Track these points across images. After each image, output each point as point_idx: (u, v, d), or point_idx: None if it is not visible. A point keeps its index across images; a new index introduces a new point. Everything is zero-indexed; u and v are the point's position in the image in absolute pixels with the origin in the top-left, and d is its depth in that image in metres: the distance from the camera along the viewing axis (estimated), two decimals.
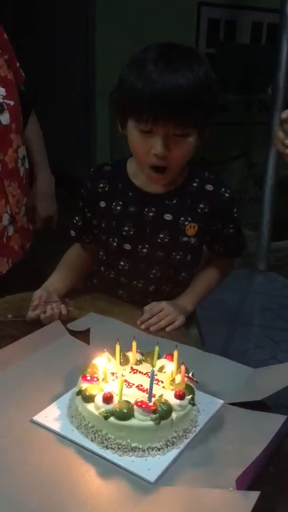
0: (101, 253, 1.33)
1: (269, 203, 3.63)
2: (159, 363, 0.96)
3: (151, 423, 0.81)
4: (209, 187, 1.22)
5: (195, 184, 1.22)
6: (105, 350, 0.94)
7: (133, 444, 0.81)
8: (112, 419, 0.81)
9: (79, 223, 1.32)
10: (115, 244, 1.26)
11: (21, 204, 1.54)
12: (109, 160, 1.30)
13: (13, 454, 0.81)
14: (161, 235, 1.22)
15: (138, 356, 0.98)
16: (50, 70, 4.71)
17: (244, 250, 1.34)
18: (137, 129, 1.08)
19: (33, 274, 1.54)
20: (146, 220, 1.22)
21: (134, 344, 0.97)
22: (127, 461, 0.80)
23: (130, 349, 0.97)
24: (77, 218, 1.32)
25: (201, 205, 1.21)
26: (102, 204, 1.25)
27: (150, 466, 0.79)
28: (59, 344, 1.12)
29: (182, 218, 1.21)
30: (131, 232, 1.23)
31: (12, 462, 0.79)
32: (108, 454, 0.81)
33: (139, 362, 0.97)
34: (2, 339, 1.12)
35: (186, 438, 0.85)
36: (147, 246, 1.24)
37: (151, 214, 1.21)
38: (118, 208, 1.23)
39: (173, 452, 0.82)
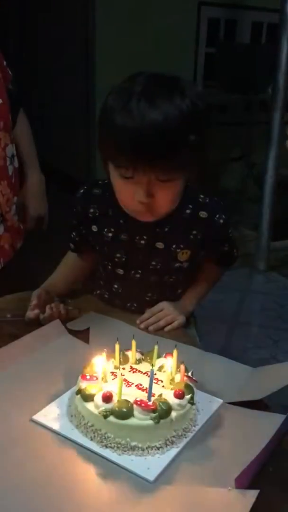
0: (100, 268, 1.32)
1: (268, 203, 3.63)
2: (159, 362, 0.96)
3: (150, 422, 0.81)
4: (203, 214, 1.17)
5: (188, 211, 1.17)
6: (105, 349, 0.94)
7: (133, 443, 0.81)
8: (111, 418, 0.81)
9: (76, 238, 1.30)
10: (109, 267, 1.26)
11: (11, 203, 1.54)
12: (100, 179, 1.23)
13: (12, 453, 0.81)
14: (154, 262, 1.21)
15: (138, 355, 0.98)
16: (50, 69, 4.72)
17: (236, 260, 1.33)
18: (118, 173, 1.03)
19: (25, 274, 1.54)
20: (138, 248, 1.19)
21: (133, 343, 0.97)
22: (126, 460, 0.80)
23: (129, 349, 0.97)
24: (74, 233, 1.30)
25: (194, 232, 1.18)
26: (94, 228, 1.23)
27: (149, 465, 0.79)
28: (58, 343, 1.12)
29: (174, 246, 1.19)
30: (123, 259, 1.22)
31: (11, 461, 0.80)
32: (108, 453, 0.81)
33: (138, 361, 0.97)
34: (2, 338, 1.12)
35: (186, 437, 0.85)
36: (139, 271, 1.23)
37: (142, 242, 1.18)
38: (110, 234, 1.20)
39: (173, 451, 0.82)
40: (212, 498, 0.74)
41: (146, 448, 0.82)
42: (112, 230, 1.20)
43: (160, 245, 1.18)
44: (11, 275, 1.52)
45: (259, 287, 3.54)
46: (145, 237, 1.18)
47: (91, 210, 1.21)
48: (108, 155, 1.03)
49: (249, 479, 0.76)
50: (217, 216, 1.18)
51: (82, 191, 1.24)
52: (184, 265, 1.21)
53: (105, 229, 1.20)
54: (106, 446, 0.82)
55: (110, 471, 0.79)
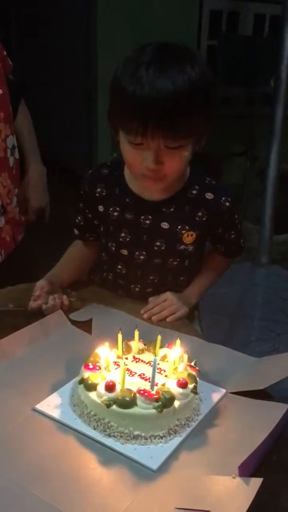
0: (103, 254, 1.33)
1: (271, 196, 3.62)
2: (162, 352, 0.96)
3: (153, 411, 0.81)
4: (209, 196, 1.18)
5: (194, 192, 1.18)
6: (107, 339, 0.94)
7: (136, 432, 0.81)
8: (114, 407, 0.81)
9: (81, 223, 1.30)
10: (113, 248, 1.25)
11: (12, 195, 1.53)
12: (108, 161, 1.27)
13: (16, 442, 0.81)
14: (158, 243, 1.20)
15: (141, 345, 0.98)
16: (52, 64, 4.70)
17: (243, 250, 1.34)
18: (127, 141, 1.03)
19: (26, 266, 1.54)
20: (142, 228, 1.19)
21: (136, 333, 0.97)
22: (129, 449, 0.80)
23: (132, 339, 0.97)
24: (79, 218, 1.30)
25: (200, 214, 1.18)
26: (101, 208, 1.23)
27: (152, 454, 0.80)
28: (61, 334, 1.12)
29: (179, 227, 1.18)
30: (128, 239, 1.22)
31: (15, 450, 0.80)
32: (111, 442, 0.81)
33: (141, 351, 0.97)
34: (4, 329, 1.12)
35: (189, 427, 0.85)
36: (144, 253, 1.22)
37: (147, 221, 1.18)
38: (115, 213, 1.21)
39: (176, 440, 0.82)
40: (215, 486, 0.74)
41: (149, 437, 0.82)
42: (118, 209, 1.20)
43: (165, 225, 1.18)
44: (12, 267, 1.52)
45: (262, 281, 3.54)
46: (150, 216, 1.18)
47: (98, 190, 1.21)
48: (118, 123, 1.03)
49: (252, 468, 0.76)
50: (223, 198, 1.18)
51: (90, 171, 1.26)
52: (189, 248, 1.20)
53: (111, 208, 1.21)
54: (109, 435, 0.82)
55: (113, 460, 0.79)
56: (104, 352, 0.91)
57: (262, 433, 0.81)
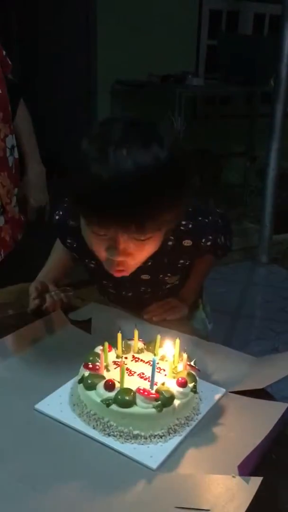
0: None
1: (271, 195, 3.62)
2: (161, 351, 0.96)
3: (153, 410, 0.81)
4: (187, 243, 1.08)
5: (170, 243, 1.07)
6: (107, 338, 0.94)
7: (135, 432, 0.81)
8: (114, 406, 0.81)
9: (62, 238, 1.23)
10: (99, 284, 1.27)
11: (12, 195, 1.53)
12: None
13: (16, 442, 0.81)
14: (143, 288, 1.20)
15: (140, 345, 0.98)
16: (49, 62, 4.70)
17: (230, 249, 1.23)
18: (89, 228, 0.89)
19: (26, 266, 1.54)
20: (123, 281, 1.09)
21: (136, 332, 0.97)
22: (129, 448, 0.80)
23: (132, 338, 0.97)
24: (59, 234, 1.24)
25: (181, 261, 1.14)
26: (75, 255, 1.22)
27: (152, 453, 0.80)
28: (60, 333, 1.12)
29: (161, 276, 1.16)
30: (111, 285, 1.22)
31: (14, 450, 0.80)
32: (110, 441, 0.81)
33: (140, 350, 0.97)
34: (4, 329, 1.11)
35: (188, 426, 0.85)
36: (130, 294, 1.24)
37: (127, 276, 0.99)
38: (92, 265, 1.16)
39: (175, 440, 0.82)
40: (215, 486, 0.74)
41: (149, 436, 0.82)
42: (93, 262, 1.13)
43: (146, 276, 1.14)
44: (12, 267, 1.52)
45: (261, 280, 3.54)
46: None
47: (69, 241, 1.17)
48: (79, 209, 0.89)
49: (252, 467, 0.76)
50: (203, 240, 1.10)
51: (57, 218, 1.16)
52: (175, 282, 1.22)
53: (86, 260, 1.17)
54: (109, 435, 0.82)
55: (113, 459, 0.79)
56: (104, 352, 0.91)
57: (261, 432, 0.81)
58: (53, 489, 0.73)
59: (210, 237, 1.10)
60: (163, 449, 0.81)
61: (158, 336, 0.96)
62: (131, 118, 0.89)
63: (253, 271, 3.62)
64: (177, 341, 0.93)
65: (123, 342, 0.96)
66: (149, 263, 1.03)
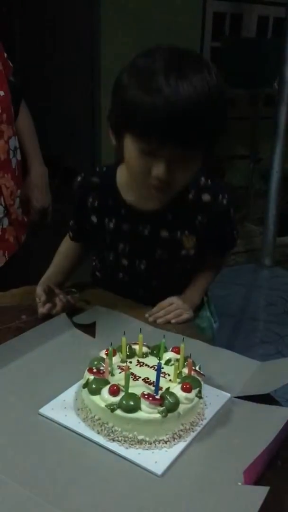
0: (99, 263, 1.31)
1: (274, 197, 3.61)
2: (166, 356, 0.95)
3: (158, 415, 0.81)
4: (206, 197, 1.14)
5: (190, 196, 1.13)
6: (111, 342, 0.93)
7: (140, 437, 0.81)
8: (118, 411, 0.81)
9: (75, 227, 1.30)
10: (111, 258, 1.23)
11: (15, 196, 1.54)
12: (97, 166, 1.22)
13: (19, 447, 0.81)
14: (159, 252, 1.18)
15: (145, 349, 0.97)
16: (54, 63, 4.70)
17: (236, 242, 1.29)
18: (136, 148, 0.96)
19: (29, 267, 1.55)
20: (141, 238, 1.16)
21: (140, 337, 0.97)
22: (133, 453, 0.80)
23: (136, 342, 0.97)
24: (72, 222, 1.29)
25: (199, 217, 1.15)
26: (94, 219, 1.20)
27: (157, 459, 0.79)
28: (65, 337, 1.12)
29: (179, 233, 1.16)
30: (127, 249, 1.19)
31: (18, 455, 0.79)
32: (115, 446, 0.81)
33: (145, 355, 0.97)
34: (8, 332, 1.12)
35: (193, 431, 0.85)
36: (144, 262, 1.20)
37: (146, 231, 1.14)
38: (111, 225, 1.17)
39: (180, 445, 0.82)
40: (221, 493, 0.74)
41: (154, 441, 0.81)
42: (113, 220, 1.16)
43: (164, 233, 1.15)
44: (16, 268, 1.52)
45: (265, 283, 3.53)
46: (148, 225, 1.15)
47: (90, 200, 1.18)
48: (132, 128, 0.96)
49: (257, 474, 0.76)
50: (220, 197, 1.15)
51: (79, 179, 1.21)
52: (190, 252, 1.18)
53: (106, 220, 1.17)
54: (113, 440, 0.82)
55: (117, 464, 0.78)
56: (108, 356, 0.91)
57: (267, 438, 0.80)
58: (55, 494, 0.73)
59: (227, 196, 1.15)
60: (168, 454, 0.80)
61: (163, 341, 0.96)
62: (171, 46, 0.97)
63: (256, 273, 3.61)
64: (182, 345, 0.93)
65: (128, 346, 0.95)
66: (170, 217, 1.13)
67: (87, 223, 1.23)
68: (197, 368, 0.92)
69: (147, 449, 0.81)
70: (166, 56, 0.93)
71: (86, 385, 0.87)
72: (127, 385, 0.83)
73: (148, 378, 0.88)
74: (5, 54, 1.52)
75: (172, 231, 1.16)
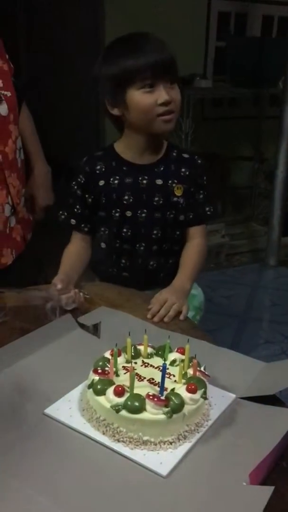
0: (102, 229, 1.44)
1: (279, 197, 3.60)
2: (171, 356, 0.95)
3: (163, 416, 0.81)
4: (185, 155, 1.44)
5: (174, 154, 1.43)
6: (116, 343, 0.93)
7: (145, 438, 0.81)
8: (123, 412, 0.81)
9: (79, 211, 1.43)
10: (117, 214, 1.40)
11: (21, 195, 1.57)
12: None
13: (25, 447, 0.81)
14: (156, 198, 1.39)
15: (150, 350, 0.97)
16: (56, 64, 4.70)
17: (212, 218, 1.48)
18: (141, 91, 1.28)
19: (36, 266, 1.57)
20: (141, 188, 1.39)
21: (145, 337, 0.96)
22: (138, 454, 0.80)
23: (141, 343, 0.97)
24: (77, 206, 1.43)
25: (183, 169, 1.42)
26: (101, 182, 1.40)
27: (162, 460, 0.79)
28: (69, 337, 1.12)
29: (170, 181, 1.40)
30: (131, 200, 1.39)
31: (24, 455, 0.79)
32: (120, 447, 0.81)
33: (150, 355, 0.97)
34: (13, 333, 1.12)
35: (198, 432, 0.84)
36: (145, 210, 1.40)
37: (144, 181, 1.39)
38: (116, 182, 1.39)
39: (185, 446, 0.82)
40: (226, 494, 0.73)
41: (159, 442, 0.81)
42: (118, 177, 1.39)
43: (159, 181, 1.40)
44: (22, 267, 1.55)
45: (270, 283, 3.52)
46: (146, 177, 1.39)
47: (98, 167, 1.41)
48: (134, 79, 1.28)
49: (263, 475, 0.76)
50: (196, 157, 1.45)
51: (85, 158, 1.44)
52: (180, 200, 1.41)
53: (111, 179, 1.39)
54: (118, 441, 0.82)
55: (122, 465, 0.78)
56: (113, 357, 0.91)
57: (272, 439, 0.80)
58: (60, 495, 0.73)
59: (200, 159, 1.45)
60: (173, 455, 0.80)
61: (168, 341, 0.96)
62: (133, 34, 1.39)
63: (261, 273, 3.60)
64: (187, 346, 0.93)
65: (133, 347, 0.95)
66: (162, 168, 1.40)
67: (94, 194, 1.40)
68: (202, 368, 0.92)
69: (152, 450, 0.81)
70: (131, 37, 1.38)
71: (91, 385, 0.87)
72: (132, 386, 0.83)
73: (153, 379, 0.88)
74: (7, 56, 1.53)
75: (164, 180, 1.40)
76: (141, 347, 0.97)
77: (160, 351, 0.97)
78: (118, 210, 1.40)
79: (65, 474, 0.76)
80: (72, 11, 4.49)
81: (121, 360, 0.93)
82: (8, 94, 1.46)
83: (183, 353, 0.94)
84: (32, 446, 0.81)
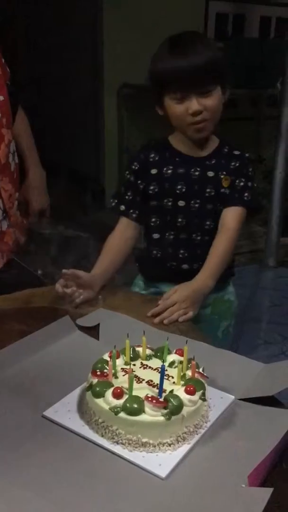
0: (153, 219, 1.45)
1: (278, 198, 3.60)
2: (169, 358, 0.95)
3: (161, 418, 0.81)
4: (237, 152, 1.46)
5: (226, 150, 1.45)
6: (115, 345, 0.93)
7: (144, 440, 0.81)
8: (122, 414, 0.81)
9: (130, 197, 1.45)
10: (169, 203, 1.42)
11: (14, 199, 1.57)
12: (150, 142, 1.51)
13: (23, 449, 0.81)
14: (208, 189, 1.41)
15: (148, 352, 0.97)
16: (57, 66, 4.71)
17: (250, 205, 1.43)
18: (173, 100, 1.32)
19: (29, 270, 1.57)
20: (193, 179, 1.42)
21: (143, 339, 0.96)
22: (137, 456, 0.80)
23: (140, 345, 0.97)
24: (129, 193, 1.45)
25: (232, 163, 1.43)
26: (154, 171, 1.43)
27: (161, 461, 0.79)
28: (68, 339, 1.12)
29: (219, 173, 1.42)
30: (184, 190, 1.41)
31: (22, 457, 0.79)
32: (119, 449, 0.81)
33: (149, 357, 0.96)
34: (12, 335, 1.12)
35: (197, 434, 0.84)
36: (198, 201, 1.42)
37: (197, 173, 1.42)
38: (169, 171, 1.42)
39: (184, 448, 0.82)
40: (225, 495, 0.73)
41: (158, 444, 0.81)
42: (171, 167, 1.42)
43: (210, 173, 1.42)
44: (15, 271, 1.55)
45: (269, 283, 3.52)
46: (198, 168, 1.42)
47: (152, 155, 1.44)
48: (167, 88, 1.32)
49: (262, 476, 0.76)
50: (247, 155, 1.47)
51: (141, 148, 1.49)
52: (226, 191, 1.42)
53: (164, 168, 1.42)
54: (117, 443, 0.82)
55: (121, 467, 0.78)
56: (112, 358, 0.91)
57: (271, 441, 0.80)
58: (59, 497, 0.73)
59: (249, 156, 1.47)
60: (172, 457, 0.80)
61: (166, 343, 0.96)
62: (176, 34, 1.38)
63: (260, 274, 3.60)
64: (185, 348, 0.93)
65: (131, 348, 0.95)
66: (213, 161, 1.42)
67: (146, 181, 1.43)
68: (200, 370, 0.92)
69: (151, 452, 0.81)
70: (171, 40, 1.36)
71: (89, 387, 0.87)
72: (131, 388, 0.83)
73: (151, 381, 0.88)
74: (3, 60, 1.54)
75: (215, 172, 1.42)
76: (140, 349, 0.97)
77: (159, 353, 0.97)
78: (171, 199, 1.42)
79: (64, 476, 0.76)
80: (70, 14, 4.50)
81: (119, 362, 0.93)
82: (1, 98, 1.47)
83: (181, 355, 0.94)
84: (31, 448, 0.81)
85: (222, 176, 1.41)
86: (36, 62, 4.80)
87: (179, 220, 1.44)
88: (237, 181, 1.43)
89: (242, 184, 1.43)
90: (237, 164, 1.44)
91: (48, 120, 4.49)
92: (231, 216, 1.41)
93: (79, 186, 4.26)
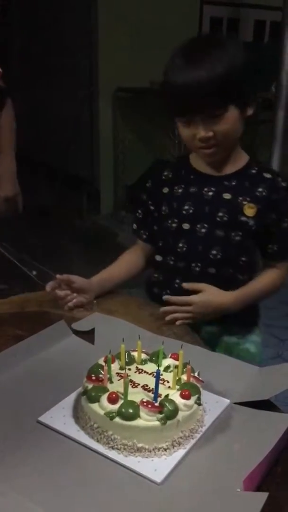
0: (160, 242, 1.34)
1: None
2: (165, 362, 0.95)
3: (157, 423, 0.81)
4: (267, 175, 1.26)
5: (253, 171, 1.27)
6: (110, 350, 0.93)
7: (139, 445, 0.81)
8: (117, 419, 0.81)
9: (140, 216, 1.39)
10: (174, 225, 1.28)
11: None
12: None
13: (18, 455, 0.81)
14: (220, 214, 1.24)
15: (144, 356, 0.97)
16: (52, 69, 4.71)
17: None
18: (181, 124, 1.20)
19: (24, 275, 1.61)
20: (205, 199, 1.25)
21: (139, 343, 0.96)
22: (133, 461, 0.80)
23: (135, 349, 0.97)
24: (139, 211, 1.39)
25: (260, 189, 1.24)
26: (165, 190, 1.31)
27: (156, 466, 0.79)
28: (63, 344, 1.12)
29: (240, 198, 1.23)
30: (191, 211, 1.26)
31: (17, 463, 0.79)
32: (114, 454, 0.81)
33: (144, 362, 0.96)
34: (6, 340, 1.11)
35: (193, 438, 0.84)
36: (205, 225, 1.25)
37: (210, 193, 1.25)
38: (180, 190, 1.29)
39: (180, 453, 0.82)
40: (220, 500, 0.73)
41: (153, 449, 0.81)
42: (183, 186, 1.29)
43: (227, 195, 1.24)
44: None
45: None
46: (213, 188, 1.25)
47: (165, 173, 1.33)
48: (171, 111, 1.21)
49: (257, 481, 0.75)
50: (280, 179, 1.26)
51: (155, 163, 1.44)
52: (250, 221, 1.23)
53: (176, 187, 1.29)
54: (113, 448, 0.81)
55: (117, 473, 0.78)
56: (107, 363, 0.90)
57: (267, 445, 0.80)
58: (54, 502, 0.72)
59: (286, 182, 1.26)
60: (167, 462, 0.80)
61: (162, 347, 0.96)
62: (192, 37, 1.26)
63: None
64: (181, 352, 0.93)
65: (127, 353, 0.95)
66: (233, 183, 1.25)
67: (157, 200, 1.32)
68: (196, 374, 0.92)
69: (146, 457, 0.81)
70: (185, 42, 1.21)
71: (85, 392, 0.87)
72: (126, 393, 0.83)
73: (147, 385, 0.88)
74: None
75: (233, 195, 1.24)
76: (135, 353, 0.96)
77: (154, 357, 0.96)
78: (176, 220, 1.27)
79: (59, 481, 0.76)
80: (65, 17, 4.50)
81: (115, 366, 0.93)
82: None
83: (177, 359, 0.94)
84: (26, 453, 0.81)
85: (245, 203, 1.22)
86: (30, 66, 4.79)
87: (180, 245, 1.28)
88: (281, 223, 1.24)
89: (286, 226, 1.24)
90: (266, 193, 1.23)
91: (43, 124, 4.49)
92: (282, 268, 1.30)
93: (74, 189, 4.26)
